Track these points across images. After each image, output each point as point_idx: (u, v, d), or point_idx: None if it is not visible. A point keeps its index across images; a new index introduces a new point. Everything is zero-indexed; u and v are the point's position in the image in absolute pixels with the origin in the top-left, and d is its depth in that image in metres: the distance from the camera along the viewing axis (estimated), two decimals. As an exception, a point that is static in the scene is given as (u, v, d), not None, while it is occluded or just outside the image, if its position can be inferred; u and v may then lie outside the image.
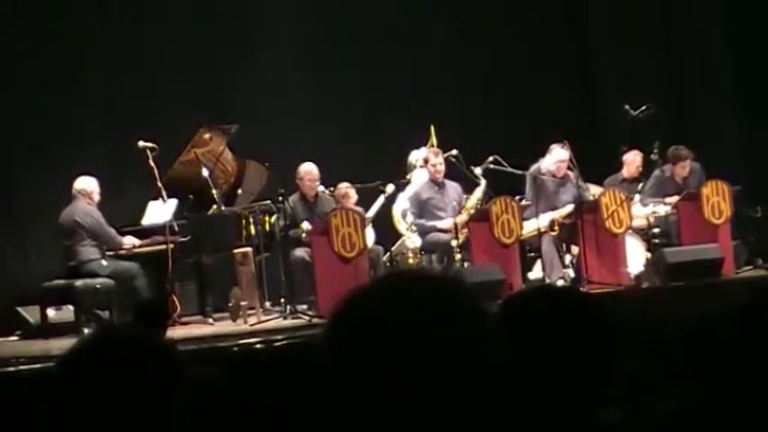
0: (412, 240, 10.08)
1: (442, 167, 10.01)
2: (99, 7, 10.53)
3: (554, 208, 10.08)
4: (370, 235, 9.77)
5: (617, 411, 1.97)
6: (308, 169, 9.85)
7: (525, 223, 9.87)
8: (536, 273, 10.01)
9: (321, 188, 9.95)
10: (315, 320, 8.82)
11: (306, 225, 9.60)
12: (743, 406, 2.04)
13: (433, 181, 10.09)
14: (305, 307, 9.32)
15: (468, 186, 10.17)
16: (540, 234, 9.85)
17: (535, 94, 11.69)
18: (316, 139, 10.68)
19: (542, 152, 10.19)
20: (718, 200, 10.07)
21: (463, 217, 9.94)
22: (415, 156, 10.55)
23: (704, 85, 11.88)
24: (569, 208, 10.01)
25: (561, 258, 9.99)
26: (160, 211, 9.54)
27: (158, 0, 10.76)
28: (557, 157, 10.04)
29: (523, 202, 9.99)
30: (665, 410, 2.21)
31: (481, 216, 9.80)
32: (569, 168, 10.08)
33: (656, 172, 10.51)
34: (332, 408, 1.42)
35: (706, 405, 2.14)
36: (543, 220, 9.94)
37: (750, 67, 11.73)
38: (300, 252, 9.53)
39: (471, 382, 1.41)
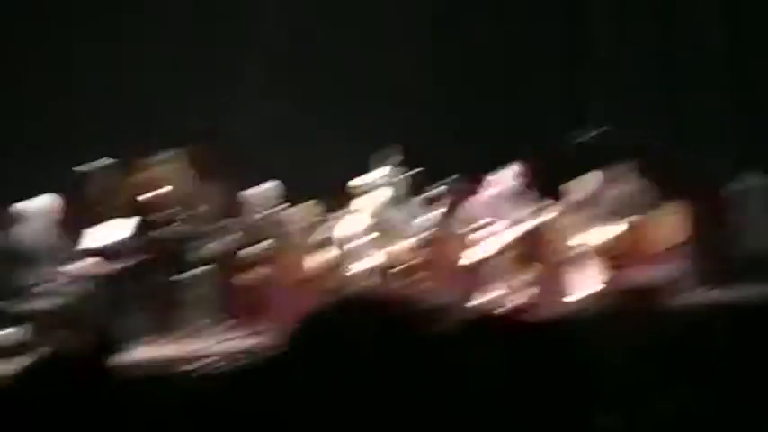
0: (366, 261, 9.97)
1: None
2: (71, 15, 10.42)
3: (508, 227, 10.04)
4: (327, 257, 9.71)
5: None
6: (266, 190, 9.79)
7: (483, 242, 9.84)
8: (489, 295, 9.86)
9: (278, 209, 9.88)
10: (271, 341, 8.75)
11: (264, 245, 9.54)
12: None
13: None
14: (262, 327, 9.29)
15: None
16: (490, 256, 9.82)
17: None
18: (273, 159, 10.58)
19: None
20: (670, 222, 10.10)
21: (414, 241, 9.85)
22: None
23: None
24: (524, 227, 10.03)
25: (517, 279, 9.96)
26: (116, 231, 9.47)
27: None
28: (508, 178, 10.09)
29: (478, 223, 9.93)
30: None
31: (436, 240, 9.76)
32: (526, 188, 10.09)
33: (607, 193, 10.47)
34: (290, 424, 1.46)
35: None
36: (496, 240, 9.92)
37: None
38: (257, 273, 9.48)
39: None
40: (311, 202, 9.88)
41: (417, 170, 9.92)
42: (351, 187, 10.20)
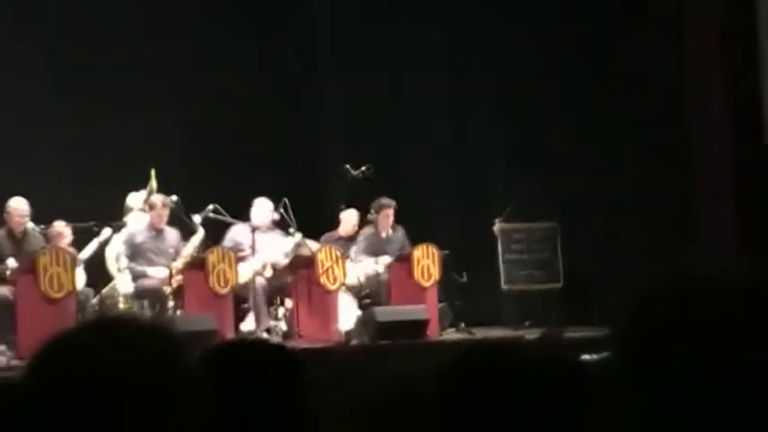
0: (123, 285, 9.90)
1: (165, 217, 9.95)
2: None
3: (270, 257, 10.13)
4: (81, 277, 9.51)
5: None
6: (17, 204, 9.47)
7: (241, 269, 9.87)
8: (248, 324, 9.97)
9: (31, 225, 9.57)
10: (13, 362, 8.47)
11: (11, 262, 9.21)
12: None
13: (152, 226, 9.98)
14: (4, 347, 8.95)
15: (187, 233, 10.12)
16: (253, 280, 9.86)
17: (261, 145, 11.72)
18: (28, 174, 10.34)
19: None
20: (428, 263, 10.35)
21: (178, 264, 9.86)
22: (133, 198, 10.40)
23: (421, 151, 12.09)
24: (285, 258, 10.13)
25: (275, 311, 10.09)
26: None
27: None
28: (261, 210, 10.17)
29: (240, 253, 9.98)
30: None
31: (197, 264, 9.73)
32: (278, 222, 10.19)
33: (366, 229, 10.73)
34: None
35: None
36: (256, 264, 10.02)
37: (465, 132, 12.06)
38: (3, 290, 9.14)
39: (174, 429, 1.41)
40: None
41: (174, 196, 9.98)
42: (126, 204, 10.24)
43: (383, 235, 10.74)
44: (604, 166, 11.31)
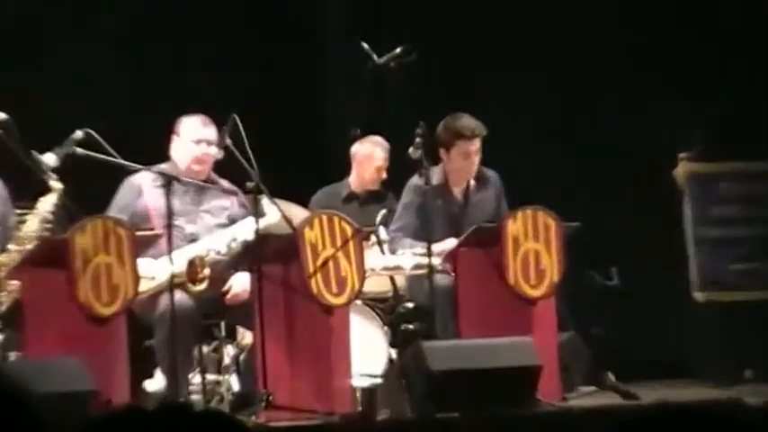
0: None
1: None
2: None
3: (193, 240, 10.17)
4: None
5: None
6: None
7: (146, 266, 9.66)
8: (160, 381, 9.93)
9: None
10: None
11: None
12: None
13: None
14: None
15: (27, 191, 9.84)
16: (169, 293, 9.56)
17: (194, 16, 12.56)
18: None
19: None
20: (536, 247, 10.24)
21: (12, 256, 9.67)
22: None
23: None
24: (231, 237, 9.92)
25: (215, 352, 10.41)
26: None
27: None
28: (189, 140, 10.27)
29: (144, 233, 9.82)
30: None
31: (49, 255, 9.38)
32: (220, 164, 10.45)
33: (414, 180, 10.74)
34: None
35: None
36: (176, 263, 9.72)
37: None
38: None
39: None
40: None
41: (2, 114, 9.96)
42: None
43: (457, 193, 10.77)
44: None
